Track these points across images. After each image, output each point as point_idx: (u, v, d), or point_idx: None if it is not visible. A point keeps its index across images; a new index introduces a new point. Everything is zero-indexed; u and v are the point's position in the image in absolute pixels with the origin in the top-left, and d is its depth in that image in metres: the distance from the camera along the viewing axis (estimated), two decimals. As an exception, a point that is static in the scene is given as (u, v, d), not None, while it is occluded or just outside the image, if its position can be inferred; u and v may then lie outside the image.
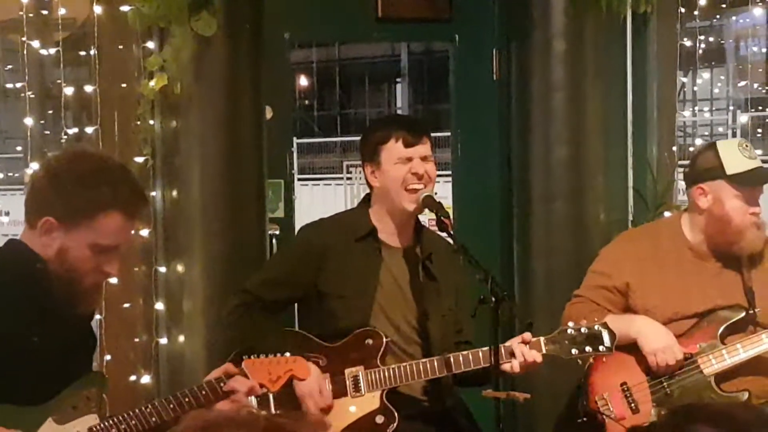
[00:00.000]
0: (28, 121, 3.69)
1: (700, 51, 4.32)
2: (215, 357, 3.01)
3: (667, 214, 3.76)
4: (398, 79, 22.59)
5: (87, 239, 2.13)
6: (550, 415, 3.18)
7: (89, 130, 3.62)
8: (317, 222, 2.92)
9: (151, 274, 3.64)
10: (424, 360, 2.68)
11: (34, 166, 3.54)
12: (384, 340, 2.70)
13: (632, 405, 2.82)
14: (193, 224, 3.59)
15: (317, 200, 12.20)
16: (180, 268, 3.60)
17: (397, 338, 2.76)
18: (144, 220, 3.51)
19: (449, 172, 4.35)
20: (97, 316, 3.39)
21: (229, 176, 3.58)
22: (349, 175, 13.25)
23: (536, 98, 3.82)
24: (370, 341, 2.70)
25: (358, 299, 2.75)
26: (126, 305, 3.62)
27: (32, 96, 3.72)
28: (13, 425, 2.08)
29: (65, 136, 3.64)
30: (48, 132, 3.81)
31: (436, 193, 2.77)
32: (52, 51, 3.66)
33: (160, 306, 3.64)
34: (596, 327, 2.65)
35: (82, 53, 3.66)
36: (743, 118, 11.40)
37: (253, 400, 2.47)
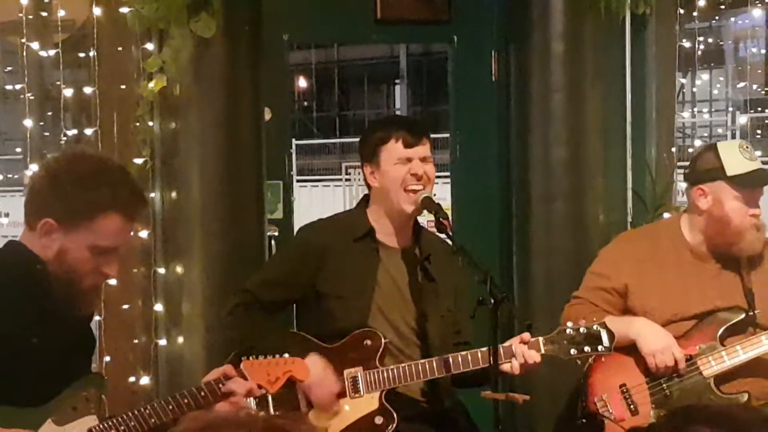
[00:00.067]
0: (28, 122, 3.69)
1: (699, 52, 4.33)
2: (214, 358, 3.01)
3: (666, 215, 3.76)
4: (397, 81, 22.59)
5: (86, 241, 2.13)
6: (549, 417, 3.18)
7: (88, 131, 3.63)
8: (315, 222, 2.92)
9: (150, 275, 3.64)
10: (423, 361, 2.67)
11: (34, 167, 3.55)
12: (383, 340, 2.70)
13: (631, 406, 2.82)
14: (193, 225, 3.59)
15: (316, 201, 12.20)
16: (179, 269, 3.60)
17: (395, 339, 2.76)
18: (143, 221, 3.51)
19: (448, 173, 4.36)
20: (97, 318, 3.39)
21: (228, 177, 3.58)
22: (347, 177, 13.25)
23: (535, 99, 3.82)
24: (368, 342, 2.70)
25: (356, 300, 2.74)
26: (125, 306, 3.62)
27: (32, 97, 3.72)
28: (12, 426, 2.08)
29: (65, 138, 3.65)
30: (47, 133, 3.82)
31: (434, 195, 2.77)
32: (52, 52, 3.66)
33: (159, 307, 3.64)
34: (595, 327, 2.64)
35: (82, 55, 3.66)
36: (742, 120, 11.40)
37: (251, 401, 2.48)
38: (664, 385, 2.82)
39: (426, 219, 2.88)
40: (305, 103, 21.64)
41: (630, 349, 2.82)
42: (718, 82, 17.23)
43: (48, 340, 2.16)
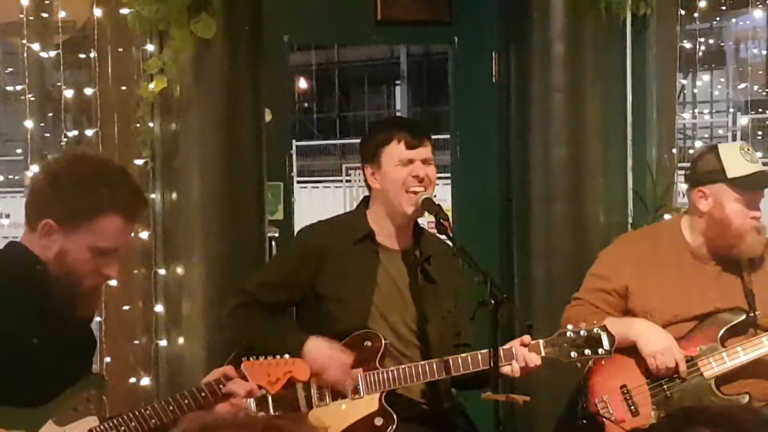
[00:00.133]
0: (28, 123, 3.69)
1: (700, 53, 4.32)
2: (214, 359, 3.01)
3: (666, 216, 3.75)
4: (397, 82, 22.58)
5: (86, 242, 2.13)
6: (549, 418, 3.18)
7: (89, 132, 3.63)
8: (315, 224, 2.92)
9: (150, 276, 3.65)
10: (423, 362, 2.67)
11: (34, 168, 3.55)
12: (383, 342, 2.70)
13: (632, 407, 2.82)
14: (193, 226, 3.59)
15: (316, 203, 12.20)
16: (179, 270, 3.60)
17: (395, 341, 2.76)
18: (143, 222, 3.51)
19: (448, 175, 4.36)
20: (97, 319, 3.40)
21: (228, 178, 3.58)
22: (348, 178, 13.25)
23: (535, 100, 3.82)
24: (368, 343, 2.70)
25: (356, 302, 2.74)
26: (126, 307, 3.62)
27: (32, 99, 3.73)
28: (13, 427, 2.08)
29: (65, 139, 3.65)
30: (48, 135, 3.82)
31: (435, 196, 2.76)
32: (52, 54, 3.66)
33: (159, 308, 3.64)
34: (595, 330, 2.64)
35: (82, 56, 3.66)
36: (743, 121, 11.40)
37: (252, 401, 2.48)
38: (665, 386, 2.82)
39: (426, 220, 2.88)
40: (305, 105, 21.63)
41: (630, 350, 2.82)
42: (719, 83, 17.22)
43: (48, 341, 2.16)
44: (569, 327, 2.65)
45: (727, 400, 2.78)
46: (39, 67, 3.74)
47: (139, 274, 3.65)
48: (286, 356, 2.34)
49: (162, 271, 3.63)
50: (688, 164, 3.06)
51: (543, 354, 2.62)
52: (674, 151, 4.10)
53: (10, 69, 4.04)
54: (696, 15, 4.19)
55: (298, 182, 11.97)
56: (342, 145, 19.20)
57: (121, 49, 3.61)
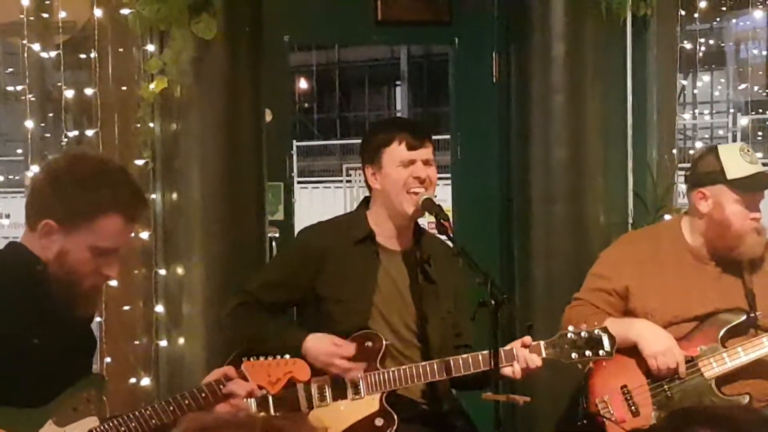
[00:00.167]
0: (29, 123, 3.69)
1: (700, 54, 4.32)
2: (215, 359, 3.01)
3: (667, 217, 3.75)
4: (398, 82, 22.58)
5: (86, 242, 2.13)
6: (550, 418, 3.18)
7: (89, 132, 3.63)
8: (316, 225, 2.92)
9: (151, 276, 3.64)
10: (424, 363, 2.67)
11: (35, 168, 3.55)
12: (384, 342, 2.70)
13: (632, 408, 2.82)
14: (193, 227, 3.59)
15: (317, 203, 12.20)
16: (180, 270, 3.60)
17: (395, 341, 2.76)
18: (144, 222, 3.51)
19: (449, 175, 4.35)
20: (98, 319, 3.39)
21: (228, 179, 3.58)
22: (348, 178, 13.25)
23: (536, 100, 3.82)
24: (369, 344, 2.70)
25: (356, 303, 2.74)
26: (126, 308, 3.62)
27: (33, 99, 3.72)
28: (13, 427, 2.08)
29: (65, 139, 3.65)
30: (48, 135, 3.81)
31: (435, 196, 2.76)
32: (53, 54, 3.66)
33: (159, 308, 3.64)
34: (596, 331, 2.65)
35: (83, 56, 3.66)
36: (743, 121, 11.40)
37: (252, 401, 2.48)
38: (666, 386, 2.82)
39: (427, 221, 2.88)
40: (306, 105, 21.63)
41: (631, 350, 2.82)
42: (719, 84, 17.22)
43: (48, 341, 2.16)
44: (570, 328, 2.65)
45: (728, 400, 2.78)
46: (39, 68, 3.74)
47: (140, 275, 3.65)
48: (287, 356, 2.34)
49: (162, 272, 3.63)
50: (689, 165, 3.05)
51: (544, 355, 2.62)
52: (674, 151, 4.10)
53: (11, 69, 4.04)
54: (696, 15, 4.19)
55: (299, 182, 11.97)
56: (342, 145, 19.20)
57: (121, 50, 3.61)
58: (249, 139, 3.63)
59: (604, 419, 2.80)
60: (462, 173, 4.23)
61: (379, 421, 2.66)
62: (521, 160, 3.89)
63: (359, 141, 2.98)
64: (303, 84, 20.39)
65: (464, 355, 2.64)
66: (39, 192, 2.19)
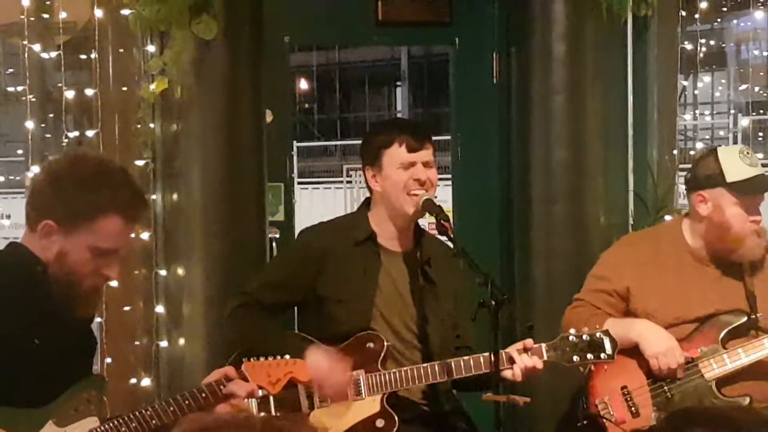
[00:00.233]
0: (29, 124, 3.69)
1: (701, 54, 4.32)
2: (215, 359, 3.01)
3: (667, 217, 3.75)
4: (398, 83, 22.57)
5: (86, 242, 2.13)
6: (550, 419, 3.17)
7: (90, 133, 3.63)
8: (317, 226, 2.91)
9: (151, 277, 3.65)
10: (425, 365, 2.67)
11: (35, 169, 3.55)
12: (385, 344, 2.69)
13: (633, 408, 2.82)
14: (194, 227, 3.59)
15: (317, 204, 12.20)
16: (180, 271, 3.60)
17: (396, 342, 2.76)
18: (144, 223, 3.51)
19: (449, 176, 4.35)
20: (98, 319, 3.40)
21: (229, 179, 3.58)
22: (348, 179, 13.24)
23: (536, 101, 3.82)
24: (371, 345, 2.70)
25: (357, 303, 2.74)
26: (126, 308, 3.62)
27: (33, 99, 3.73)
28: (13, 427, 2.08)
29: (66, 140, 3.65)
30: (49, 135, 3.82)
31: (436, 197, 2.76)
32: (53, 54, 3.66)
33: (160, 309, 3.64)
34: (598, 334, 2.64)
35: (83, 57, 3.66)
36: (744, 122, 11.39)
37: (253, 402, 2.48)
38: (666, 387, 2.82)
39: (427, 221, 2.88)
40: (306, 105, 21.62)
41: (632, 351, 2.81)
42: (720, 85, 17.21)
43: (49, 342, 2.16)
44: (572, 331, 2.64)
45: (728, 401, 2.78)
46: (40, 68, 3.74)
47: (140, 275, 3.65)
48: (287, 357, 2.34)
49: (163, 272, 3.63)
50: (689, 165, 3.05)
51: (545, 358, 2.62)
52: (675, 152, 4.10)
53: (11, 70, 4.05)
54: (697, 16, 4.19)
55: (299, 183, 11.97)
56: (343, 146, 19.20)
57: (121, 50, 3.61)
58: (249, 139, 3.63)
59: (604, 420, 2.80)
60: (462, 174, 4.23)
61: (380, 423, 2.66)
62: (521, 161, 3.89)
63: (360, 142, 2.98)
64: (303, 85, 20.39)
65: (465, 357, 2.64)
66: (39, 192, 2.19)
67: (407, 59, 21.61)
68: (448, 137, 4.34)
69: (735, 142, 12.94)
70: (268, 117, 3.77)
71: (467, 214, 4.15)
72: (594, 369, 2.86)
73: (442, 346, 2.78)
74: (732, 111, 15.42)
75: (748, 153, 2.85)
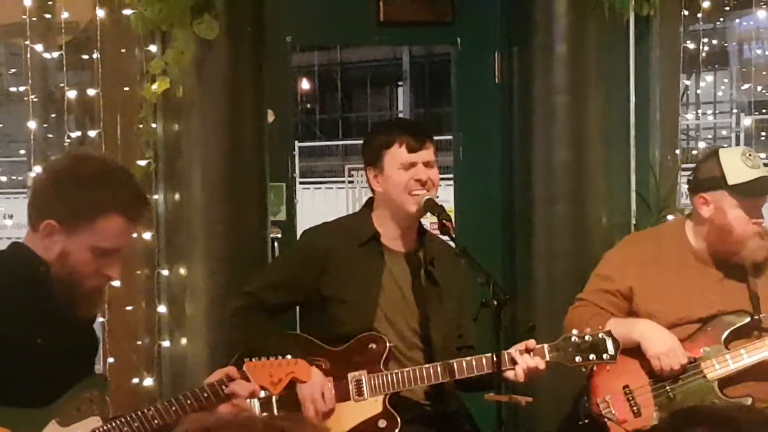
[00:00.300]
0: (31, 124, 3.69)
1: (704, 54, 4.31)
2: (217, 359, 3.01)
3: (670, 217, 3.75)
4: (400, 83, 22.55)
5: (88, 242, 2.13)
6: (552, 418, 3.18)
7: (92, 133, 3.63)
8: (320, 226, 2.91)
9: (153, 277, 3.65)
10: (427, 365, 2.67)
11: (38, 169, 3.55)
12: (387, 344, 2.70)
13: (634, 408, 2.81)
14: (195, 227, 3.59)
15: (319, 204, 12.20)
16: (182, 270, 3.60)
17: (398, 343, 2.76)
18: (145, 223, 3.51)
19: (451, 176, 4.35)
20: (100, 319, 3.40)
21: (230, 179, 3.58)
22: (350, 179, 13.23)
23: (538, 101, 3.81)
24: (373, 346, 2.70)
25: (361, 304, 2.74)
26: (128, 308, 3.62)
27: (35, 99, 3.73)
28: (16, 427, 2.08)
29: (68, 140, 3.65)
30: (51, 135, 3.82)
31: (437, 197, 2.76)
32: (55, 55, 3.66)
33: (162, 309, 3.64)
34: (600, 335, 2.64)
35: (85, 57, 3.67)
36: (747, 121, 11.37)
37: (256, 402, 2.48)
38: (668, 387, 2.82)
39: (429, 221, 2.88)
40: (308, 105, 21.61)
41: (634, 351, 2.81)
42: (723, 84, 17.18)
43: (51, 342, 2.16)
44: (574, 332, 2.64)
45: (730, 402, 2.78)
46: (42, 68, 3.74)
47: (142, 275, 3.65)
48: (288, 356, 2.34)
49: (165, 272, 3.63)
50: (692, 165, 3.04)
51: (548, 358, 2.62)
52: (677, 152, 4.09)
53: (13, 70, 4.04)
54: (699, 15, 4.18)
55: (301, 183, 11.96)
56: (344, 146, 19.20)
57: (123, 50, 3.62)
58: (251, 139, 3.63)
59: (606, 419, 2.79)
60: (464, 174, 4.22)
61: (382, 423, 2.66)
62: (523, 161, 3.89)
63: (361, 142, 2.98)
64: (305, 85, 20.38)
65: (467, 358, 2.64)
66: (41, 192, 2.19)
67: (409, 59, 21.59)
68: (450, 137, 4.34)
69: (738, 142, 12.92)
70: (270, 117, 3.77)
71: (469, 214, 4.15)
72: (596, 368, 2.85)
73: (444, 346, 2.78)
74: (734, 110, 15.39)
75: (750, 155, 2.82)
